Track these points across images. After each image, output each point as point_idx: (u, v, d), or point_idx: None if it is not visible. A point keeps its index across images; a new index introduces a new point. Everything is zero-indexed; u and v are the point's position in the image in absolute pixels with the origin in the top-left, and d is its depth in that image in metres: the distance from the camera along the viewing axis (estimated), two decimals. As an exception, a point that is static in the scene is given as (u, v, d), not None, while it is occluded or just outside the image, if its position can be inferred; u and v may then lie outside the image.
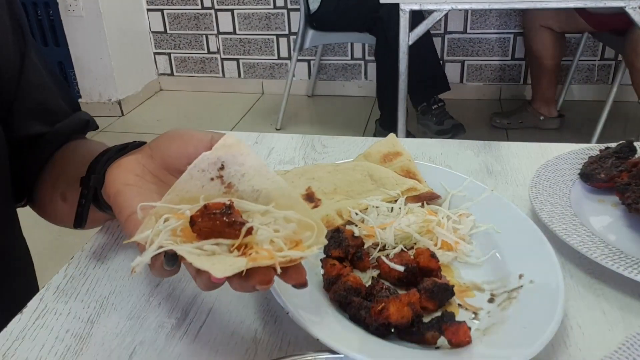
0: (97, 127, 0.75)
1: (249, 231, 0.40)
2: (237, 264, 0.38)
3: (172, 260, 0.39)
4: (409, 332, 0.47)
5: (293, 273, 0.40)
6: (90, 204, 0.57)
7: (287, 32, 3.40)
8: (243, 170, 0.44)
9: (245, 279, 0.38)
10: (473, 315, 0.52)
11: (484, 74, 3.29)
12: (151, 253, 0.39)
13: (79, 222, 0.58)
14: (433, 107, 2.65)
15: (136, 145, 0.56)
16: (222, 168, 0.43)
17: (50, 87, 0.69)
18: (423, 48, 2.44)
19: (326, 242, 0.42)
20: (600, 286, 0.56)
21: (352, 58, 3.40)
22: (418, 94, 2.63)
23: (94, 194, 0.57)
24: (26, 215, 0.74)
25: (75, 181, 0.58)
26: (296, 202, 0.44)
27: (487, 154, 0.82)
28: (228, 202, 0.41)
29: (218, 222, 0.39)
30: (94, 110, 3.30)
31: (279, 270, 0.38)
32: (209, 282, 0.39)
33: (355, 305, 0.49)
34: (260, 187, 0.44)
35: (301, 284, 0.41)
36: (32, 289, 0.77)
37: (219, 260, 0.38)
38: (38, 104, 0.67)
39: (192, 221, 0.40)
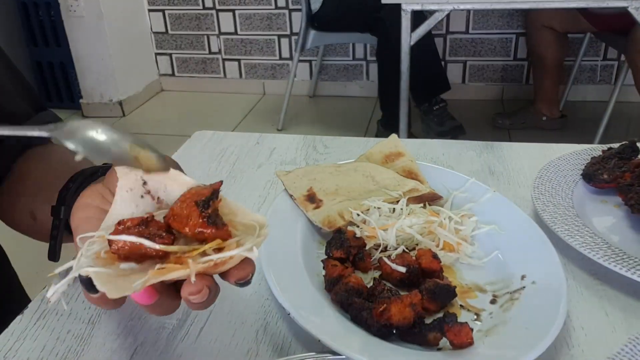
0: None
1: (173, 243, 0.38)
2: (140, 280, 0.35)
3: (87, 284, 0.36)
4: (411, 334, 0.47)
5: (235, 271, 0.37)
6: (63, 235, 0.53)
7: (288, 32, 3.39)
8: (162, 181, 0.42)
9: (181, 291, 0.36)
10: (475, 317, 0.52)
11: (486, 74, 3.28)
12: (67, 278, 0.36)
13: (53, 255, 0.53)
14: (434, 108, 2.64)
15: (106, 169, 0.52)
16: (145, 183, 0.41)
17: (6, 88, 0.65)
18: (424, 48, 2.43)
19: (267, 232, 0.38)
20: (603, 287, 0.56)
21: (354, 58, 3.40)
22: (420, 94, 2.62)
23: (65, 224, 0.52)
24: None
25: (43, 203, 0.55)
26: (227, 201, 0.41)
27: (489, 155, 0.82)
28: (146, 216, 0.38)
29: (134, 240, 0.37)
30: (95, 110, 3.31)
31: (193, 279, 0.35)
32: (149, 308, 0.38)
33: (357, 306, 0.49)
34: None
35: (239, 280, 0.38)
36: (10, 279, 0.78)
37: (129, 279, 0.35)
38: None
39: (110, 243, 0.37)
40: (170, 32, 3.56)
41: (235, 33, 3.47)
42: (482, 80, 3.30)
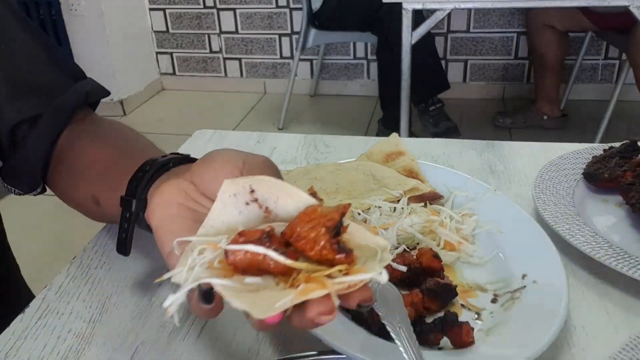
0: (105, 94, 0.67)
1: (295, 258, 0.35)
2: (282, 300, 0.32)
3: (207, 296, 0.35)
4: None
5: (356, 293, 0.34)
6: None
7: (289, 31, 3.39)
8: (275, 192, 0.38)
9: (303, 313, 0.33)
10: (476, 316, 0.51)
11: (487, 73, 3.28)
12: (186, 288, 0.34)
13: (123, 250, 0.51)
14: (430, 109, 2.64)
15: (178, 161, 0.49)
16: (253, 191, 0.38)
17: (37, 59, 0.62)
18: (423, 47, 2.43)
19: (390, 256, 0.35)
20: (604, 286, 0.55)
21: (355, 57, 3.39)
22: (417, 94, 2.62)
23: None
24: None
25: (108, 189, 0.53)
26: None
27: (490, 154, 0.82)
28: (267, 229, 0.35)
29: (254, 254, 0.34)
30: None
31: (336, 302, 0.33)
32: (261, 323, 0.34)
33: (358, 306, 0.49)
34: (297, 212, 0.37)
35: (364, 301, 0.35)
36: (15, 278, 0.78)
37: (262, 296, 0.33)
38: (20, 81, 0.59)
39: (226, 253, 0.34)
40: (171, 31, 3.56)
41: (236, 32, 3.47)
42: (483, 79, 3.30)
